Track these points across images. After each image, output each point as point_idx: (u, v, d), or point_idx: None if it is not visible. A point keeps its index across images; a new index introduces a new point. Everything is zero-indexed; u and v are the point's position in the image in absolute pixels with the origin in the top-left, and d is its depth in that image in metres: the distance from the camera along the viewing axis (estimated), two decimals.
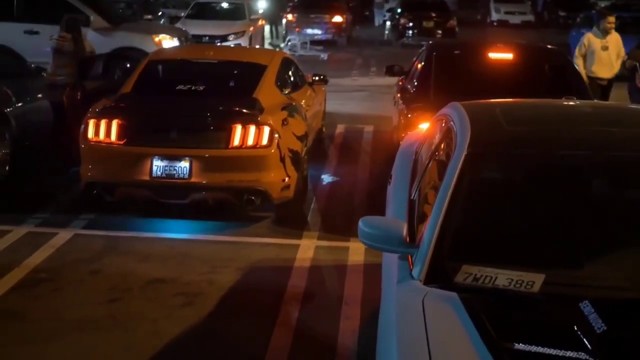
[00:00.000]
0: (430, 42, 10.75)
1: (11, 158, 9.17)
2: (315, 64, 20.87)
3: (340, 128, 12.81)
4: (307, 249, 7.30)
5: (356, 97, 16.44)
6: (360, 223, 3.74)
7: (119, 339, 5.43)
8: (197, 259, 6.96)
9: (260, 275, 6.70)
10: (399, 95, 9.64)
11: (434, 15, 27.98)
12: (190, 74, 8.66)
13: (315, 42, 25.85)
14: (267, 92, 8.25)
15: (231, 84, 8.64)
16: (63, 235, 7.45)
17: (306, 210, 8.35)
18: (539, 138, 4.15)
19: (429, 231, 3.61)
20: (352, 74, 20.13)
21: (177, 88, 8.23)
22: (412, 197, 4.65)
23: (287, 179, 7.77)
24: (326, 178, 9.76)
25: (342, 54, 24.71)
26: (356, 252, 7.10)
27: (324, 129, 11.49)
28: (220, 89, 8.42)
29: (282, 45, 25.55)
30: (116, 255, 7.03)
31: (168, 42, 16.00)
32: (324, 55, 23.85)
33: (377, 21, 37.19)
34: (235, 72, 8.89)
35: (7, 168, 9.09)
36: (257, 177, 7.57)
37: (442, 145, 4.57)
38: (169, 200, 7.77)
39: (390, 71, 10.70)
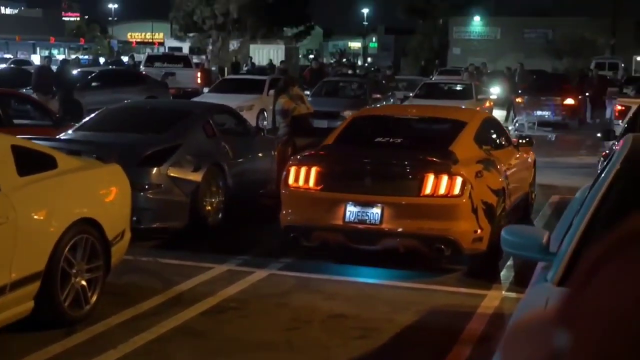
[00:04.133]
0: None
1: (225, 207, 9.78)
2: (542, 143, 20.53)
3: (554, 198, 12.56)
4: (493, 298, 7.20)
5: (579, 173, 15.93)
6: (502, 231, 3.75)
7: None
8: (381, 300, 7.06)
9: (440, 318, 6.69)
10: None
11: None
12: (390, 128, 8.91)
13: (544, 124, 25.48)
14: (464, 146, 8.30)
15: (429, 137, 8.80)
16: (259, 274, 7.83)
17: (501, 266, 8.22)
18: None
19: (569, 237, 3.55)
20: (579, 153, 19.64)
21: (375, 140, 8.50)
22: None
23: (479, 230, 7.74)
24: None
25: (572, 136, 24.13)
26: None
27: (533, 196, 11.28)
28: (418, 141, 8.60)
29: (510, 127, 25.38)
30: (304, 293, 7.29)
31: None
32: (551, 136, 23.42)
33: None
34: (434, 127, 9.06)
35: (219, 216, 9.70)
36: (448, 226, 7.60)
37: (605, 168, 4.47)
38: (361, 245, 7.97)
39: (606, 136, 10.52)
